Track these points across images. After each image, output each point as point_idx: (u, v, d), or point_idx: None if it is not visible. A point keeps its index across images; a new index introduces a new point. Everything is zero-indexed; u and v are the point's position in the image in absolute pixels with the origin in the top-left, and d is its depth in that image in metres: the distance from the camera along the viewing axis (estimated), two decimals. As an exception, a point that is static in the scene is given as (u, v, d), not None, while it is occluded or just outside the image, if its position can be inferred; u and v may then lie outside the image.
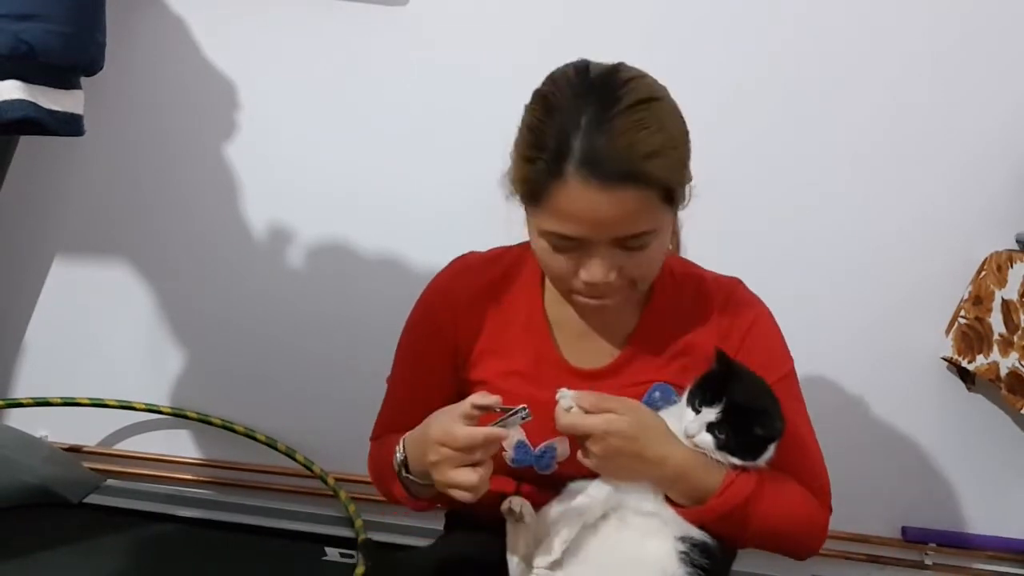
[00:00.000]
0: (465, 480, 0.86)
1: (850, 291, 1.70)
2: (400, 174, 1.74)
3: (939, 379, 1.72)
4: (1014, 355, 1.54)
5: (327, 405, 1.81)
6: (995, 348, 1.58)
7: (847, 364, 1.71)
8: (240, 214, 1.80)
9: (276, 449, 1.82)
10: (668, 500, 0.92)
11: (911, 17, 1.62)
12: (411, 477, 0.98)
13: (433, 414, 0.93)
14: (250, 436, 1.83)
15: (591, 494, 0.92)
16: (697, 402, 0.92)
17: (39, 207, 1.83)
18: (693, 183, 0.96)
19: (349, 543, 1.77)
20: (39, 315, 1.87)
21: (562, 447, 1.00)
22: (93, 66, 1.45)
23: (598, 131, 0.85)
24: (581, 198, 0.85)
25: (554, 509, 0.95)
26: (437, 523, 1.19)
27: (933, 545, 1.77)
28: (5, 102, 1.31)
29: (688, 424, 0.92)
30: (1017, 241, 1.63)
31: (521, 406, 0.88)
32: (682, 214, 1.04)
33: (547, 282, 1.04)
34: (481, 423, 0.88)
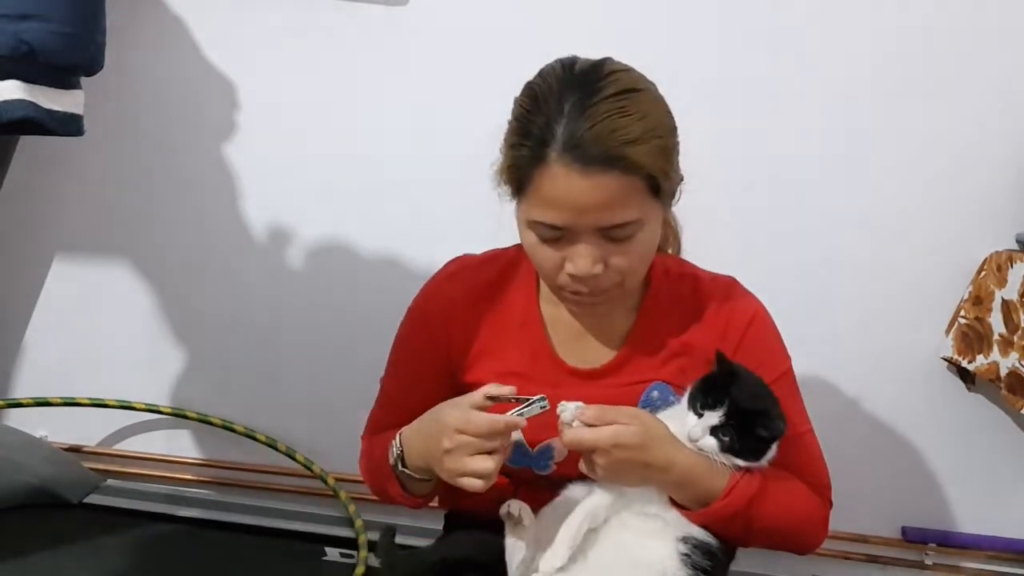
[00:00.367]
0: (481, 467, 0.86)
1: (850, 291, 1.70)
2: (400, 174, 1.74)
3: (939, 379, 1.72)
4: (1014, 355, 1.54)
5: (327, 405, 1.81)
6: (995, 348, 1.58)
7: (847, 364, 1.71)
8: (240, 214, 1.80)
9: (276, 449, 1.82)
10: (672, 502, 0.92)
11: (911, 16, 1.62)
12: (407, 472, 0.98)
13: (439, 405, 0.94)
14: (250, 436, 1.83)
15: (595, 499, 0.91)
16: (699, 405, 0.92)
17: (39, 207, 1.83)
18: (684, 182, 0.97)
19: (349, 543, 1.77)
20: (39, 315, 1.87)
21: (560, 447, 0.99)
22: (93, 66, 1.45)
23: (580, 117, 0.86)
24: (564, 183, 0.86)
25: (553, 511, 0.95)
26: (437, 524, 1.19)
27: (933, 545, 1.77)
28: (5, 102, 1.31)
29: (691, 428, 0.92)
30: (1017, 241, 1.63)
31: (539, 396, 0.88)
32: (682, 214, 1.05)
33: (543, 282, 1.04)
34: (494, 413, 0.88)
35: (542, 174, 0.87)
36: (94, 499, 1.87)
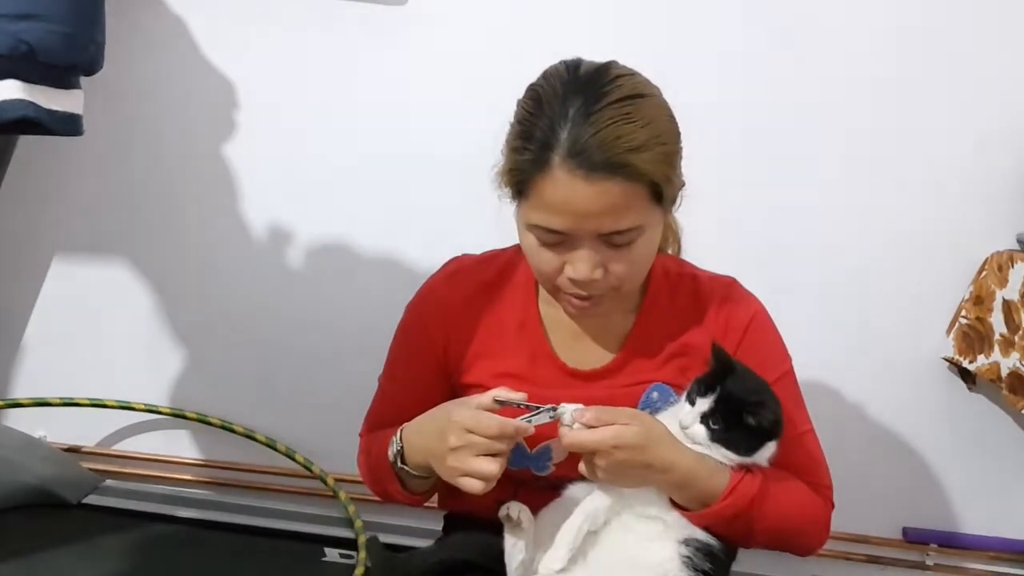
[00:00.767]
0: (486, 469, 0.85)
1: (850, 291, 1.70)
2: (399, 174, 1.74)
3: (940, 379, 1.71)
4: (1015, 355, 1.54)
5: (327, 405, 1.80)
6: (996, 348, 1.58)
7: (848, 364, 1.71)
8: (239, 214, 1.79)
9: (275, 449, 1.82)
10: (673, 503, 0.92)
11: (912, 17, 1.62)
12: (406, 468, 0.98)
13: (446, 404, 0.94)
14: (249, 436, 1.83)
15: (595, 501, 0.91)
16: (693, 395, 0.92)
17: (38, 207, 1.83)
18: (685, 187, 0.96)
19: (349, 544, 1.77)
20: (38, 315, 1.87)
21: (558, 449, 0.99)
22: (93, 66, 1.45)
23: (585, 123, 0.85)
24: (566, 189, 0.86)
25: (552, 512, 0.95)
26: (436, 524, 1.19)
27: (934, 546, 1.76)
28: (4, 102, 1.31)
29: (683, 416, 0.92)
30: (1018, 241, 1.63)
31: (550, 405, 0.88)
32: (682, 214, 1.04)
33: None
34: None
35: (544, 179, 0.87)
36: (93, 499, 1.87)
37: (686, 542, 0.90)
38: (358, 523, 1.75)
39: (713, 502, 0.90)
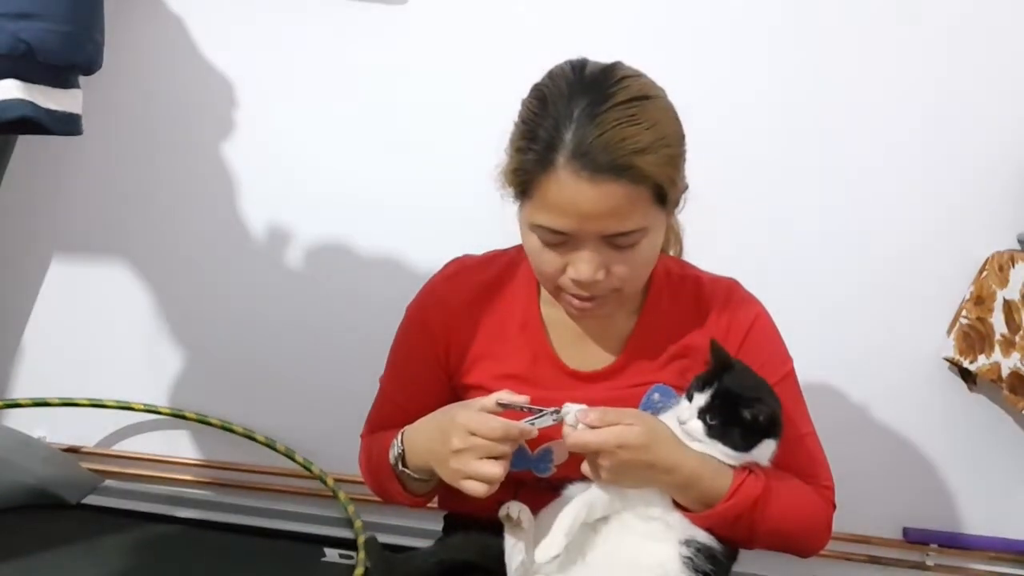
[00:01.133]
0: (489, 471, 0.85)
1: (851, 291, 1.70)
2: (399, 174, 1.74)
3: (940, 379, 1.71)
4: (1016, 355, 1.53)
5: (326, 406, 1.80)
6: (997, 348, 1.58)
7: (848, 365, 1.71)
8: (239, 214, 1.79)
9: (275, 450, 1.82)
10: (676, 504, 0.92)
11: (913, 19, 1.61)
12: (407, 471, 0.98)
13: (450, 406, 0.94)
14: (249, 437, 1.82)
15: (594, 492, 0.91)
16: (692, 391, 0.93)
17: (37, 207, 1.82)
18: (688, 189, 0.96)
19: (348, 544, 1.77)
20: (37, 316, 1.87)
21: (559, 450, 0.99)
22: (92, 65, 1.45)
23: (590, 124, 0.85)
24: (570, 190, 0.85)
25: (553, 513, 0.94)
26: (436, 524, 1.19)
27: (934, 546, 1.76)
28: (3, 101, 1.31)
29: (680, 411, 0.92)
30: (1019, 241, 1.62)
31: (553, 408, 0.88)
32: (683, 214, 1.04)
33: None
34: None
35: (548, 179, 0.86)
36: (92, 500, 1.87)
37: (687, 543, 0.90)
38: (358, 523, 1.75)
39: (716, 503, 0.90)
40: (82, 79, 1.45)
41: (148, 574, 1.67)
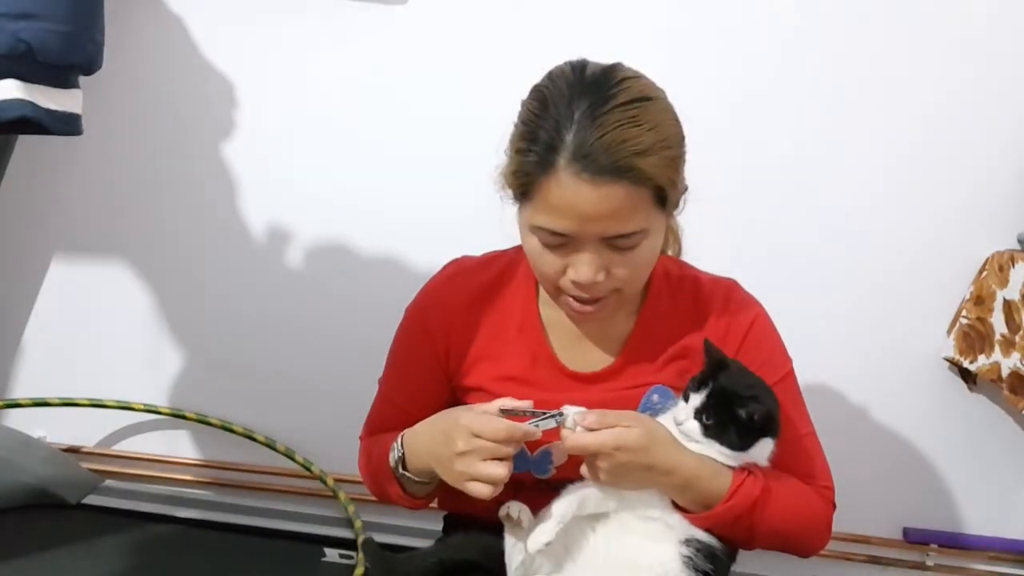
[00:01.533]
0: (493, 472, 0.85)
1: (851, 291, 1.70)
2: (399, 174, 1.74)
3: (940, 379, 1.71)
4: (1016, 355, 1.53)
5: (326, 406, 1.80)
6: (997, 348, 1.58)
7: (848, 365, 1.71)
8: (239, 214, 1.79)
9: (275, 450, 1.82)
10: (675, 505, 0.92)
11: (910, 17, 1.61)
12: (407, 474, 0.98)
13: (452, 410, 0.93)
14: (249, 437, 1.82)
15: (591, 487, 0.91)
16: (688, 391, 0.93)
17: (37, 207, 1.82)
18: (688, 190, 0.96)
19: (348, 544, 1.77)
20: (37, 315, 1.87)
21: (559, 451, 0.99)
22: (92, 65, 1.44)
23: (591, 126, 0.85)
24: (571, 192, 0.85)
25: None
26: (436, 524, 1.19)
27: (934, 546, 1.76)
28: (3, 101, 1.31)
29: (677, 411, 0.93)
30: (1019, 241, 1.62)
31: (558, 411, 0.89)
32: (683, 215, 1.04)
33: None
34: None
35: (549, 181, 0.86)
36: (92, 500, 1.87)
37: (687, 542, 0.90)
38: (358, 523, 1.75)
39: (715, 504, 0.90)
40: (82, 79, 1.45)
41: (148, 574, 1.67)
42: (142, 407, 1.83)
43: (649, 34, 1.66)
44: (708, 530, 0.91)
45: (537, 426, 0.87)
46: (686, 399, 0.93)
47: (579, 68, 0.91)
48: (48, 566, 1.63)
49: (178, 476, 1.89)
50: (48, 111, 1.36)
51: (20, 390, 1.88)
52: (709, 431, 0.90)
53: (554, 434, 0.90)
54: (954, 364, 1.68)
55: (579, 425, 0.88)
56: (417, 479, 0.98)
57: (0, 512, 1.74)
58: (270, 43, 1.73)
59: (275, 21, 1.72)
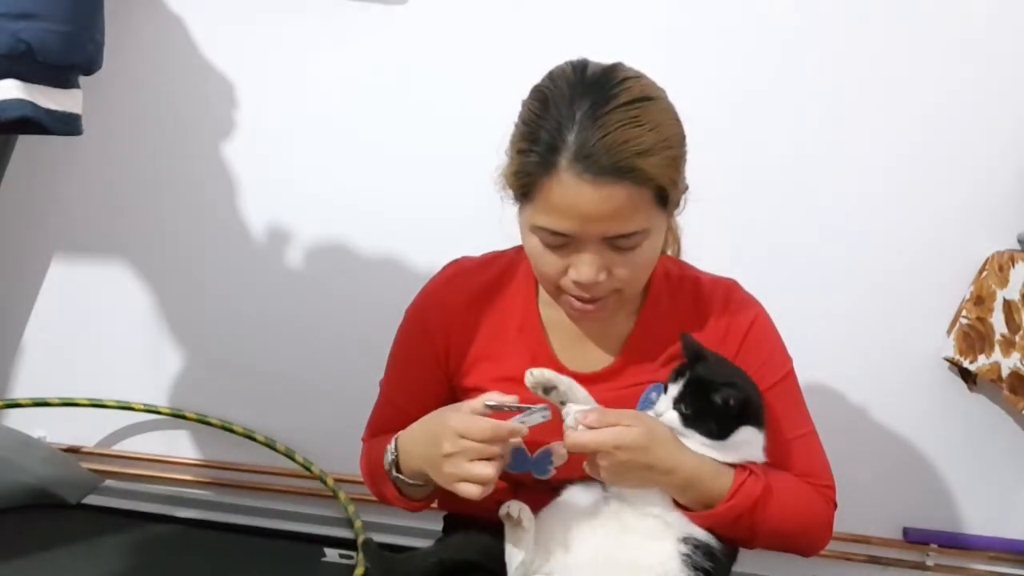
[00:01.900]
0: (482, 473, 0.85)
1: (851, 291, 1.70)
2: (399, 174, 1.74)
3: (940, 379, 1.71)
4: (1016, 355, 1.53)
5: (327, 406, 1.80)
6: (997, 348, 1.58)
7: (848, 365, 1.71)
8: (239, 214, 1.79)
9: (275, 450, 1.82)
10: (676, 504, 0.92)
11: (910, 17, 1.61)
12: (402, 477, 0.98)
13: (439, 410, 0.93)
14: (249, 437, 1.82)
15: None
16: (668, 383, 0.93)
17: (37, 207, 1.82)
18: (688, 190, 0.96)
19: (348, 544, 1.77)
20: (37, 315, 1.87)
21: (559, 451, 0.99)
22: (92, 65, 1.44)
23: (593, 126, 0.85)
24: (573, 192, 0.85)
25: (553, 513, 0.94)
26: (436, 524, 1.19)
27: (935, 546, 1.76)
28: (3, 101, 1.31)
29: (658, 404, 0.93)
30: (1019, 241, 1.62)
31: (541, 405, 0.88)
32: (684, 214, 1.04)
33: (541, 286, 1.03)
34: None
35: (551, 181, 0.86)
36: (92, 500, 1.87)
37: (685, 540, 0.90)
38: (358, 523, 1.75)
39: (716, 504, 0.90)
40: (82, 79, 1.45)
41: (148, 574, 1.67)
42: (142, 407, 1.83)
43: (649, 34, 1.66)
44: (710, 529, 0.91)
45: (524, 422, 0.87)
46: (665, 390, 0.93)
47: (580, 68, 0.91)
48: (48, 566, 1.63)
49: (178, 476, 1.89)
50: (48, 111, 1.36)
51: (20, 390, 1.88)
52: (688, 421, 0.90)
53: (554, 434, 0.90)
54: (954, 364, 1.68)
55: (580, 423, 0.88)
56: (411, 482, 0.98)
57: (0, 512, 1.74)
58: (270, 43, 1.73)
59: (275, 21, 1.72)
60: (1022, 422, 1.72)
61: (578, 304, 0.94)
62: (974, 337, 1.62)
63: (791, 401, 1.02)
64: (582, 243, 0.89)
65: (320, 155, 1.75)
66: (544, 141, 0.86)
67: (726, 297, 1.05)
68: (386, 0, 1.69)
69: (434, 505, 1.11)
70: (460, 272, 1.08)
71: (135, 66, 1.74)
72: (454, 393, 1.07)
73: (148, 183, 1.80)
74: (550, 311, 1.04)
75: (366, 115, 1.73)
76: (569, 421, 0.89)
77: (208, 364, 1.86)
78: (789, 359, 1.05)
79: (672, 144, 0.89)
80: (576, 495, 0.96)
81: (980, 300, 1.62)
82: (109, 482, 1.90)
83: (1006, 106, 1.62)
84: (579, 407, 0.89)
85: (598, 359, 1.03)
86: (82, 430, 1.89)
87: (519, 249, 1.01)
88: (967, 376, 1.69)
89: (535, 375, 0.91)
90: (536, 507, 0.94)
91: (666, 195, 0.89)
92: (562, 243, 0.90)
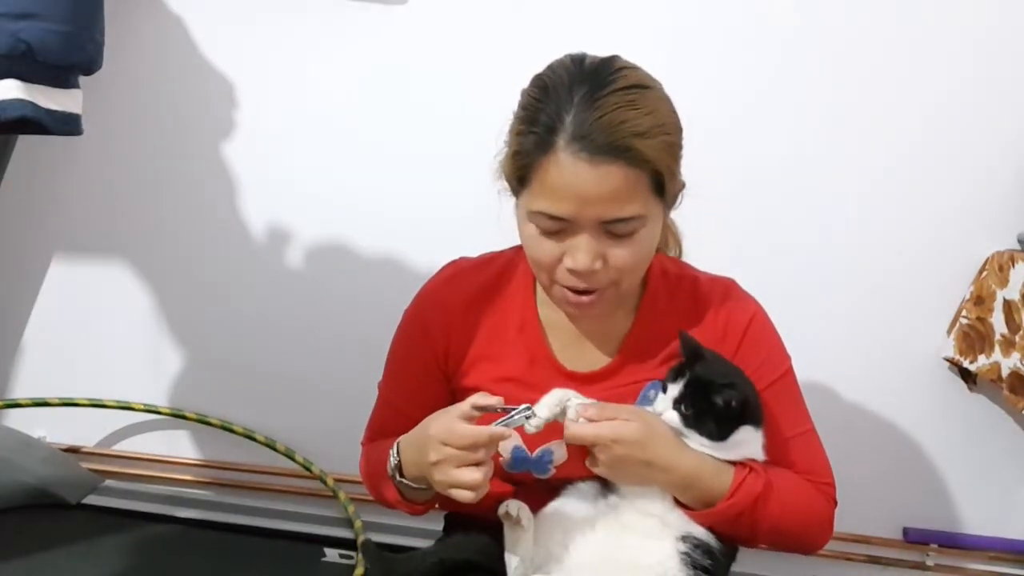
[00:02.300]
0: (468, 479, 0.86)
1: (851, 291, 1.69)
2: (399, 174, 1.74)
3: (941, 379, 1.71)
4: (1016, 355, 1.53)
5: (327, 406, 1.80)
6: (997, 348, 1.58)
7: (848, 364, 1.71)
8: (239, 214, 1.79)
9: (275, 450, 1.82)
10: (677, 502, 0.92)
11: (910, 17, 1.61)
12: (405, 481, 0.98)
13: (431, 415, 0.93)
14: (249, 437, 1.82)
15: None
16: (667, 383, 0.94)
17: (37, 207, 1.82)
18: (685, 188, 0.96)
19: (348, 544, 1.77)
20: (37, 315, 1.87)
21: (559, 451, 0.99)
22: (92, 65, 1.45)
23: (590, 107, 0.86)
24: (570, 172, 0.86)
25: (553, 513, 0.94)
26: (437, 524, 1.19)
27: (935, 546, 1.76)
28: (3, 101, 1.31)
29: (657, 404, 0.93)
30: (1019, 241, 1.62)
31: (524, 405, 0.89)
32: (684, 214, 1.04)
33: (539, 286, 1.03)
34: (481, 424, 0.88)
35: (548, 162, 0.87)
36: (92, 500, 1.87)
37: (684, 539, 0.90)
38: (358, 523, 1.75)
39: (717, 502, 0.90)
40: (82, 79, 1.45)
41: (148, 574, 1.67)
42: (142, 407, 1.83)
43: (649, 34, 1.66)
44: (711, 527, 0.91)
45: (507, 424, 0.87)
46: (664, 390, 0.93)
47: (578, 59, 0.93)
48: (48, 566, 1.63)
49: (178, 476, 1.89)
50: (48, 111, 1.36)
51: (20, 390, 1.88)
52: (688, 421, 0.91)
53: (554, 434, 0.90)
54: (954, 364, 1.68)
55: (580, 416, 0.88)
56: (415, 485, 0.98)
57: (0, 512, 1.74)
58: (270, 43, 1.73)
59: (275, 21, 1.72)
60: (1022, 422, 1.72)
61: (573, 297, 0.94)
62: (974, 337, 1.62)
63: (790, 399, 1.02)
64: (578, 228, 0.89)
65: (320, 155, 1.75)
66: (543, 123, 0.88)
67: (724, 296, 1.05)
68: (386, 0, 1.69)
69: (435, 505, 1.11)
70: (458, 273, 1.08)
71: (135, 66, 1.74)
72: (453, 394, 1.07)
73: (148, 183, 1.80)
74: (549, 311, 1.04)
75: (366, 115, 1.73)
76: (570, 414, 0.89)
77: (208, 364, 1.86)
78: (787, 357, 1.05)
79: (669, 131, 0.90)
80: (576, 494, 0.96)
81: (980, 300, 1.62)
82: (109, 482, 1.90)
83: (1006, 106, 1.62)
84: (580, 400, 0.90)
85: (597, 359, 1.03)
86: (82, 430, 1.89)
87: (517, 249, 1.01)
88: (967, 376, 1.69)
89: (547, 409, 0.90)
90: (536, 507, 0.94)
91: (662, 182, 0.90)
92: (558, 228, 0.90)
